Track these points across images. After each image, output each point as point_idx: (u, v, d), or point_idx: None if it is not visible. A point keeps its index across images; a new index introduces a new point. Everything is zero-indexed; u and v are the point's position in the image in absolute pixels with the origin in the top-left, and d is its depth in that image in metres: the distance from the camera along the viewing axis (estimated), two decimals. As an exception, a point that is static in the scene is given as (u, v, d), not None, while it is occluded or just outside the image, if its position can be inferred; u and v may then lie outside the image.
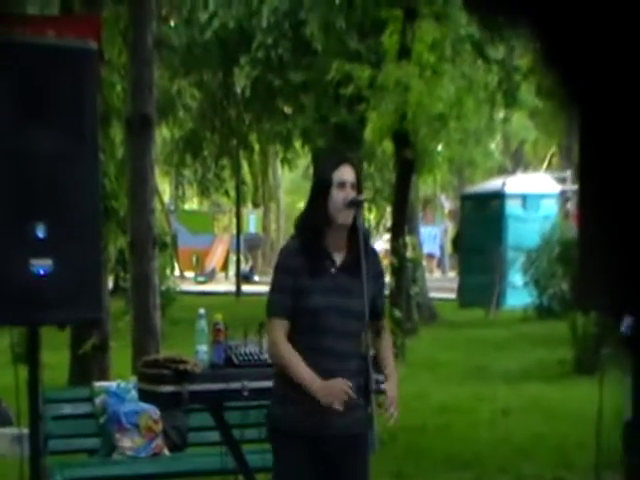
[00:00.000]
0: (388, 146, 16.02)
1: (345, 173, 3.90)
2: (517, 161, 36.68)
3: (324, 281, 3.88)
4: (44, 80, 3.99)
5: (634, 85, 1.26)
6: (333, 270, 3.91)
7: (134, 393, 5.41)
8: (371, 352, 3.93)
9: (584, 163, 3.76)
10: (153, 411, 5.51)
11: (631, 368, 3.78)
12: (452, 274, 31.06)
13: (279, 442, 3.95)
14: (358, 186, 3.93)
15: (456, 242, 25.74)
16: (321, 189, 3.91)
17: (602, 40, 1.27)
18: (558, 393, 10.16)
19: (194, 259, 30.89)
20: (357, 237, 3.85)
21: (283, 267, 3.94)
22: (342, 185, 3.88)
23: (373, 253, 4.05)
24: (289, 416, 3.86)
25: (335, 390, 3.77)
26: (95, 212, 4.19)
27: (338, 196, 3.87)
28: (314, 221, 3.91)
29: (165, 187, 35.04)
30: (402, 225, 14.21)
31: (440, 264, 36.87)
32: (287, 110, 19.27)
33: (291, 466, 3.89)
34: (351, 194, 3.88)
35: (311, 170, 25.27)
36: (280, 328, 3.89)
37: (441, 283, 26.11)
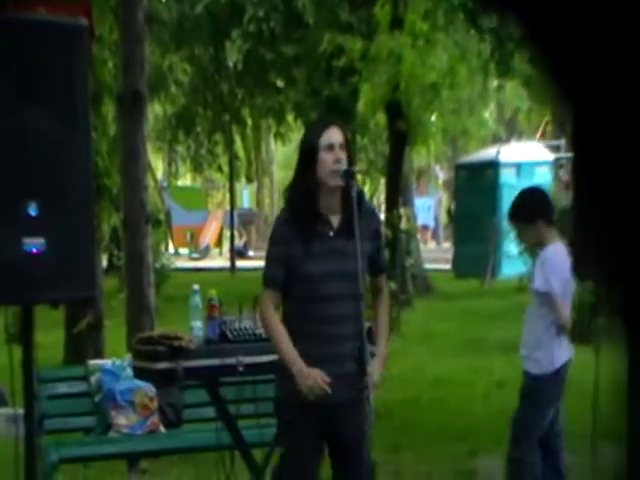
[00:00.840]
0: (381, 118, 15.97)
1: (333, 135, 3.87)
2: (511, 130, 36.62)
3: (322, 246, 3.87)
4: (35, 57, 3.95)
5: (625, 60, 1.25)
6: (331, 233, 3.90)
7: (129, 371, 5.41)
8: (367, 324, 3.93)
9: (577, 133, 3.74)
10: (148, 388, 5.51)
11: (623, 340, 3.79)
12: (447, 245, 31.10)
13: (285, 414, 3.96)
14: (347, 149, 3.91)
15: (451, 212, 25.76)
16: (310, 154, 3.88)
17: (590, 24, 1.27)
18: (554, 363, 10.17)
19: (188, 236, 30.85)
20: (351, 204, 3.83)
21: (276, 238, 3.94)
22: (330, 147, 3.85)
23: (371, 212, 4.03)
24: (292, 387, 3.86)
25: (310, 381, 3.79)
26: (88, 190, 4.16)
27: (327, 158, 3.84)
28: (306, 186, 3.88)
29: (158, 164, 34.94)
30: (396, 197, 14.20)
31: (435, 235, 36.89)
32: (279, 84, 19.19)
33: (298, 437, 3.89)
34: (341, 155, 3.85)
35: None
36: (271, 300, 3.91)
37: (436, 254, 26.12)
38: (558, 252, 5.05)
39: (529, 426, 5.12)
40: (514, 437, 5.21)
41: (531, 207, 5.12)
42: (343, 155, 3.87)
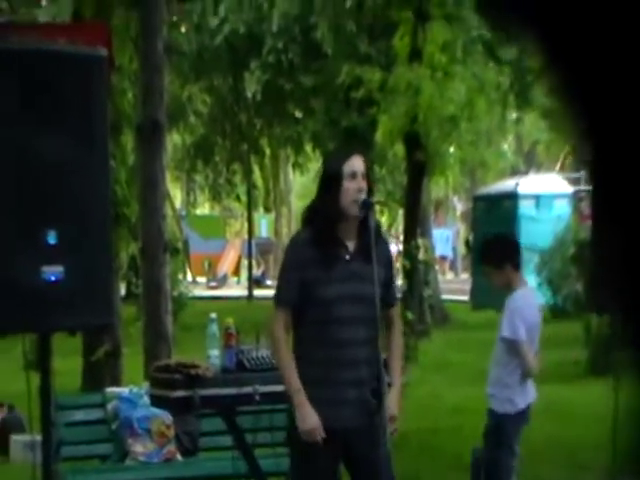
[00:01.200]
0: (399, 149, 16.00)
1: (355, 163, 3.91)
2: (530, 162, 36.59)
3: (338, 270, 3.88)
4: (54, 87, 4.00)
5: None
6: (347, 257, 3.91)
7: (146, 399, 5.41)
8: (384, 355, 3.93)
9: (597, 167, 3.75)
10: (165, 416, 5.51)
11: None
12: (465, 276, 31.00)
13: (299, 443, 3.93)
14: (368, 178, 3.94)
15: (469, 243, 25.70)
16: (332, 181, 3.91)
17: (609, 45, 1.27)
18: (572, 394, 10.12)
19: (206, 264, 30.90)
20: (368, 234, 3.85)
21: (292, 260, 3.95)
22: (353, 175, 3.89)
23: (383, 242, 4.07)
24: None
25: (306, 425, 3.78)
26: (106, 218, 4.19)
27: (350, 187, 3.87)
28: (326, 213, 3.91)
29: (176, 193, 35.09)
30: (414, 227, 14.19)
31: (452, 266, 36.80)
32: (298, 114, 19.28)
33: (313, 466, 3.88)
34: (362, 184, 3.88)
35: (322, 174, 25.21)
36: (282, 321, 3.90)
37: (454, 285, 26.05)
38: (526, 297, 5.26)
39: (499, 465, 5.18)
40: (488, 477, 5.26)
41: (500, 252, 5.26)
42: (364, 185, 3.90)
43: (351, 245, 3.93)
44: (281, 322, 3.91)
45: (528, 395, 5.23)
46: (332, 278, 3.86)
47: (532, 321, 5.19)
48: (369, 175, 3.97)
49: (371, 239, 3.84)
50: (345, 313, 3.85)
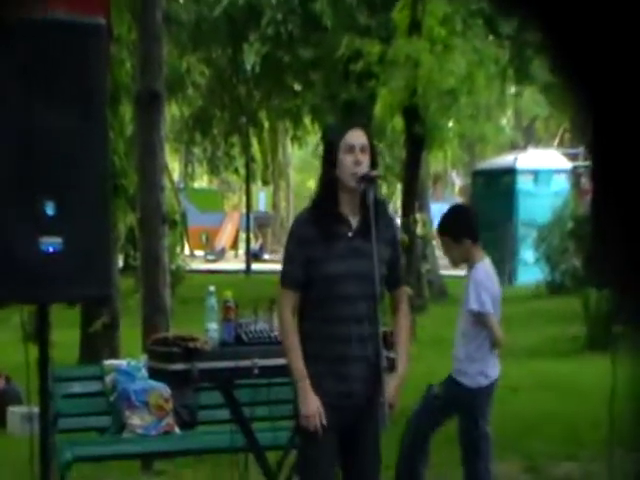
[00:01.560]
0: (398, 122, 15.93)
1: (353, 137, 3.85)
2: (529, 137, 36.54)
3: (340, 246, 3.85)
4: (53, 57, 3.96)
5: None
6: (350, 234, 3.88)
7: (144, 371, 5.41)
8: (382, 329, 3.90)
9: (596, 141, 3.71)
10: (164, 389, 5.50)
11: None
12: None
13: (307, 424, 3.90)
14: (371, 152, 3.88)
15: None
16: (330, 154, 3.88)
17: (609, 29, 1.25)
18: (570, 369, 10.14)
19: (204, 237, 30.89)
20: (368, 209, 3.80)
21: (296, 238, 3.91)
22: (351, 149, 3.83)
23: (388, 220, 3.99)
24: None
25: (308, 410, 3.77)
26: (104, 190, 4.16)
27: (346, 159, 3.83)
28: (327, 186, 3.88)
29: (174, 165, 35.02)
30: (412, 202, 14.16)
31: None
32: (296, 87, 19.20)
33: (316, 439, 3.85)
34: (360, 157, 3.83)
35: (321, 147, 25.18)
36: (290, 301, 3.88)
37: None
38: (487, 269, 5.22)
39: (482, 438, 5.19)
40: (473, 450, 5.24)
41: (459, 225, 5.21)
42: (363, 158, 3.84)
43: (354, 221, 3.88)
44: (289, 304, 3.88)
45: (496, 368, 5.21)
46: (334, 255, 3.83)
47: (495, 293, 5.18)
48: (373, 148, 3.92)
49: (370, 214, 3.79)
50: (347, 290, 3.83)
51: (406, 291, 4.17)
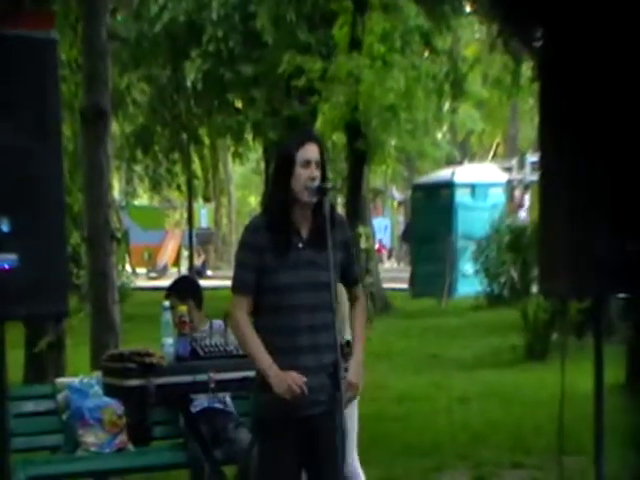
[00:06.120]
0: (340, 138, 16.07)
1: (309, 151, 3.90)
2: (464, 151, 36.99)
3: (291, 257, 3.87)
4: (6, 72, 3.94)
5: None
6: (300, 245, 3.91)
7: (97, 388, 5.38)
8: (344, 338, 3.94)
9: (546, 143, 3.79)
10: (117, 406, 5.48)
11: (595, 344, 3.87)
12: (402, 265, 31.23)
13: (264, 429, 3.95)
14: (322, 165, 3.94)
15: (406, 234, 25.89)
16: (285, 167, 3.90)
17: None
18: (512, 379, 10.30)
19: (146, 255, 30.67)
20: (323, 219, 3.83)
21: (247, 244, 3.93)
22: (307, 163, 3.88)
23: (340, 223, 4.02)
24: (271, 401, 3.85)
25: (287, 384, 3.78)
26: (60, 206, 4.14)
27: (302, 174, 3.87)
28: (279, 199, 3.91)
29: (115, 183, 34.71)
30: (356, 216, 14.28)
31: (391, 255, 37.05)
32: (238, 103, 19.23)
33: (275, 452, 3.89)
34: (315, 173, 3.87)
35: (262, 164, 25.20)
36: (242, 306, 3.89)
37: (393, 274, 26.24)
38: None
39: None
40: None
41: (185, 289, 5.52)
42: (318, 173, 3.90)
43: (304, 232, 3.92)
44: (242, 307, 3.90)
45: None
46: (284, 265, 3.86)
47: None
48: (323, 162, 3.98)
49: (326, 225, 3.83)
50: (299, 300, 3.85)
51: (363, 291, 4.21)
